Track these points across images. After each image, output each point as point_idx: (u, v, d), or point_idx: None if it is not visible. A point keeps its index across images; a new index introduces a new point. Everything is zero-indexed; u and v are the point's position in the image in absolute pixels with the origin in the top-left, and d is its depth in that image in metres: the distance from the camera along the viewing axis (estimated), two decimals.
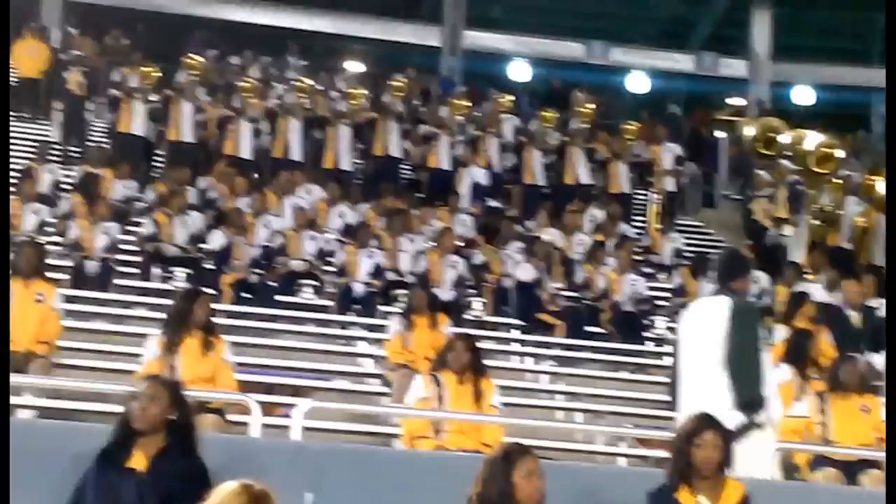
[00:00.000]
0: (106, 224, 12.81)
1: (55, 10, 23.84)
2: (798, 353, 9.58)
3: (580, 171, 17.45)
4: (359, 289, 12.84)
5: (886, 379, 8.33)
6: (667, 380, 11.76)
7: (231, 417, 8.29)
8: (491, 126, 17.63)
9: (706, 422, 5.79)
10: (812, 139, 16.31)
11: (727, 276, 6.99)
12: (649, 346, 13.21)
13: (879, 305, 12.56)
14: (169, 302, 9.43)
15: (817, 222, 16.15)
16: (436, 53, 26.11)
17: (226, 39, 23.47)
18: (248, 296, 12.59)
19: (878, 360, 10.86)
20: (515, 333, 13.06)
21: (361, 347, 12.03)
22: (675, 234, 16.53)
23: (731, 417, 6.43)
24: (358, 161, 17.41)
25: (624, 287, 13.57)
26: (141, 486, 5.40)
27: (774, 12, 26.75)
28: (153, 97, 16.58)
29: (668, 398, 10.87)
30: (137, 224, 13.88)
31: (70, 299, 10.99)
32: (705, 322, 6.79)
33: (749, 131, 17.87)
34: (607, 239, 15.26)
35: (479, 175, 16.94)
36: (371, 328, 12.28)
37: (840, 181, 16.62)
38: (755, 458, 6.61)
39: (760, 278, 14.00)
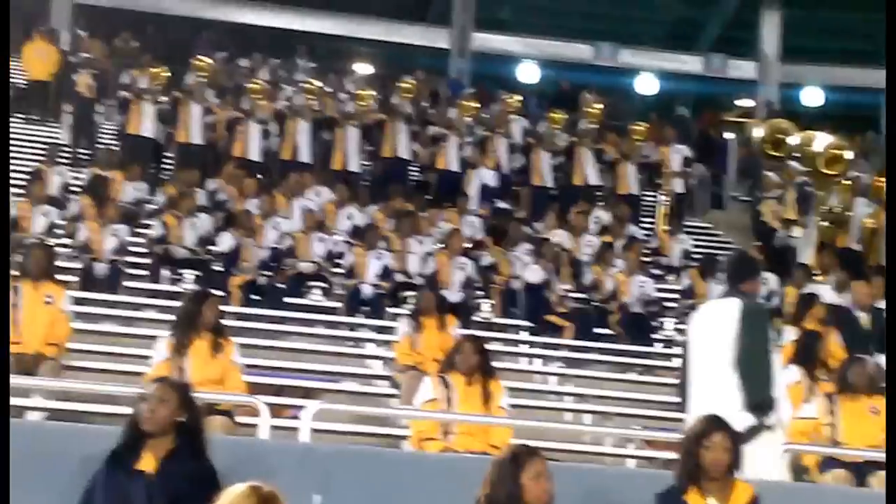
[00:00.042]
0: (115, 226, 12.82)
1: (65, 12, 23.89)
2: (807, 355, 9.57)
3: (589, 173, 17.44)
4: (367, 290, 12.85)
5: (887, 379, 8.31)
6: (676, 381, 11.81)
7: (240, 419, 8.30)
8: (499, 127, 17.63)
9: (715, 423, 5.78)
10: (821, 140, 16.29)
11: (737, 278, 6.99)
12: (658, 348, 13.22)
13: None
14: (178, 304, 9.44)
15: (826, 224, 16.13)
16: (444, 55, 26.12)
17: (235, 41, 23.52)
18: (257, 297, 12.60)
19: None
20: (524, 335, 13.05)
21: (370, 349, 12.04)
22: (684, 235, 16.51)
23: (741, 419, 6.43)
24: (366, 163, 17.42)
25: (632, 289, 13.57)
26: (150, 488, 5.41)
27: (783, 13, 26.72)
28: (162, 98, 16.59)
29: (676, 400, 10.91)
30: (146, 226, 13.90)
31: (79, 301, 11.01)
32: (715, 324, 6.79)
33: (758, 133, 17.86)
34: (616, 240, 15.26)
35: (487, 176, 16.94)
36: (379, 330, 12.29)
37: (849, 182, 16.59)
38: (764, 460, 6.60)
39: (769, 280, 13.98)
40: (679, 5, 28.66)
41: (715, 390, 6.62)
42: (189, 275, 12.57)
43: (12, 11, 22.97)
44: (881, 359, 10.93)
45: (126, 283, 12.64)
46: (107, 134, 18.15)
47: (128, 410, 5.67)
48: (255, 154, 16.51)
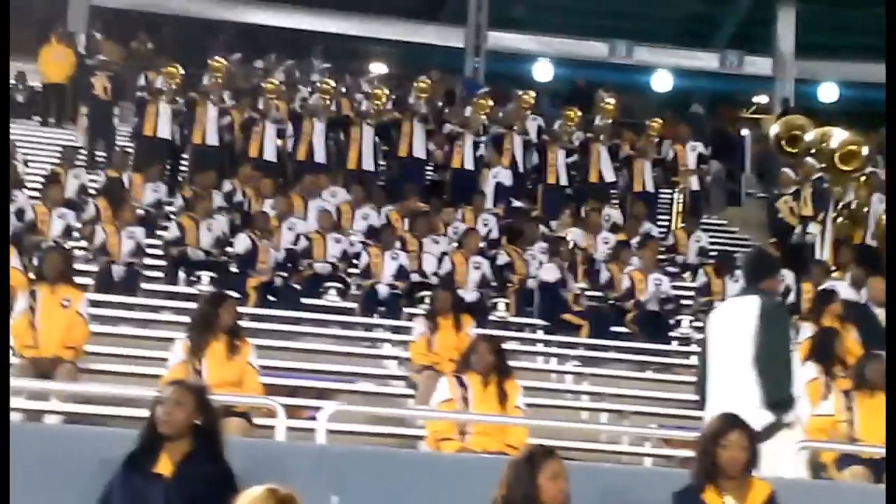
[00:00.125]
0: (132, 228, 12.85)
1: (81, 15, 23.95)
2: (824, 352, 9.54)
3: (604, 170, 17.41)
4: (383, 291, 12.86)
5: (887, 379, 8.28)
6: (693, 379, 11.80)
7: (256, 421, 8.31)
8: (514, 124, 17.61)
9: (732, 422, 5.78)
10: (837, 136, 16.24)
11: (756, 275, 6.97)
12: (674, 346, 13.19)
13: None
14: (194, 306, 9.46)
15: (842, 220, 16.08)
16: (459, 54, 26.10)
17: (250, 43, 23.56)
18: (273, 299, 12.62)
19: None
20: (540, 334, 13.05)
21: (386, 349, 12.05)
22: (700, 232, 16.47)
23: (760, 417, 6.42)
24: (382, 163, 17.41)
25: (648, 286, 13.54)
26: (167, 491, 5.42)
27: (799, 9, 26.63)
28: (178, 99, 16.62)
29: (694, 397, 10.90)
30: (163, 228, 13.93)
31: (96, 304, 11.04)
32: (734, 321, 6.77)
33: (774, 129, 17.80)
34: (631, 238, 15.24)
35: (502, 175, 16.93)
36: (395, 330, 12.31)
37: (865, 178, 16.54)
38: (782, 458, 6.59)
39: (786, 276, 13.93)
40: (694, 2, 28.61)
41: (734, 388, 6.61)
42: (205, 276, 12.59)
43: (29, 15, 23.16)
44: None
45: (143, 286, 12.66)
46: (123, 136, 18.20)
47: (145, 413, 5.68)
48: (270, 154, 16.54)
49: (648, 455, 9.79)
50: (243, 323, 9.31)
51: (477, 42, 26.12)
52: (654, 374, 12.43)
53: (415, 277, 13.17)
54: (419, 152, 17.24)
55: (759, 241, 17.89)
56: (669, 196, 18.06)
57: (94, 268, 12.49)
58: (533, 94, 18.97)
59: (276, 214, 13.91)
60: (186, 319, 9.31)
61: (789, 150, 16.87)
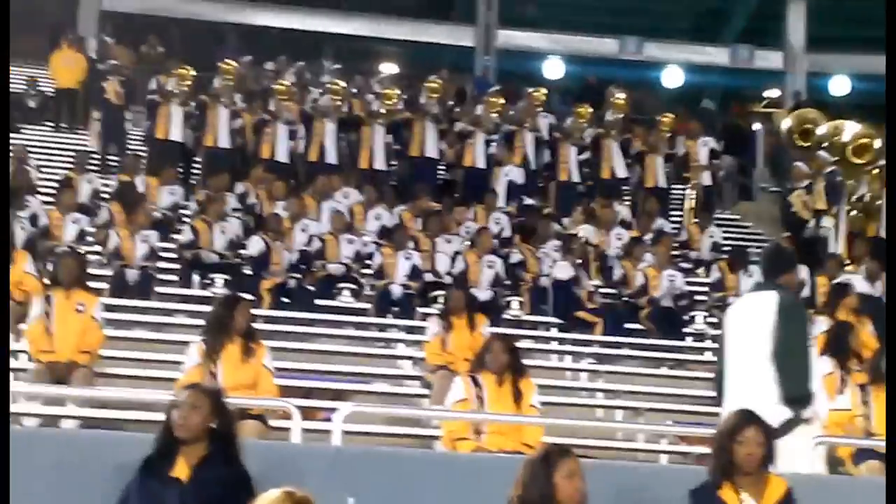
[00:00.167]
0: (145, 232, 12.88)
1: (92, 20, 24.02)
2: (839, 346, 9.52)
3: (616, 166, 17.40)
4: (397, 291, 12.87)
5: (887, 379, 8.25)
6: (707, 375, 11.79)
7: (272, 423, 8.32)
8: (526, 122, 17.60)
9: (748, 418, 5.77)
10: (849, 129, 16.20)
11: (774, 270, 6.95)
12: (689, 342, 13.17)
13: None
14: (209, 309, 9.48)
15: (856, 213, 16.04)
16: (470, 53, 26.11)
17: (260, 45, 23.58)
18: (287, 300, 12.64)
19: None
20: (554, 332, 13.04)
21: (400, 350, 12.05)
22: (713, 227, 16.44)
23: (778, 413, 6.40)
24: (394, 163, 17.41)
25: (662, 283, 13.51)
26: (184, 494, 5.43)
27: (809, 2, 26.57)
28: (190, 102, 16.66)
29: (709, 393, 10.88)
30: (178, 231, 13.95)
31: (111, 308, 11.07)
32: (752, 317, 6.75)
33: (786, 123, 17.76)
34: (644, 234, 15.22)
35: (514, 173, 16.93)
36: (409, 330, 12.31)
37: (878, 171, 16.48)
38: (800, 453, 6.57)
39: (800, 270, 13.91)
40: None
41: (752, 384, 6.58)
42: (219, 279, 12.60)
43: (40, 21, 23.20)
44: None
45: (157, 289, 12.68)
46: (135, 140, 18.24)
47: (161, 417, 5.69)
48: (282, 156, 16.57)
49: (664, 452, 9.78)
50: (257, 325, 9.32)
51: (487, 40, 26.12)
52: (669, 370, 12.41)
53: (428, 277, 13.17)
54: (431, 152, 17.25)
55: (772, 235, 17.87)
56: (682, 192, 18.04)
57: (108, 272, 12.51)
58: (544, 91, 18.95)
59: (288, 216, 13.93)
60: (201, 322, 9.32)
61: (802, 143, 16.83)
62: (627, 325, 13.16)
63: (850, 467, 8.14)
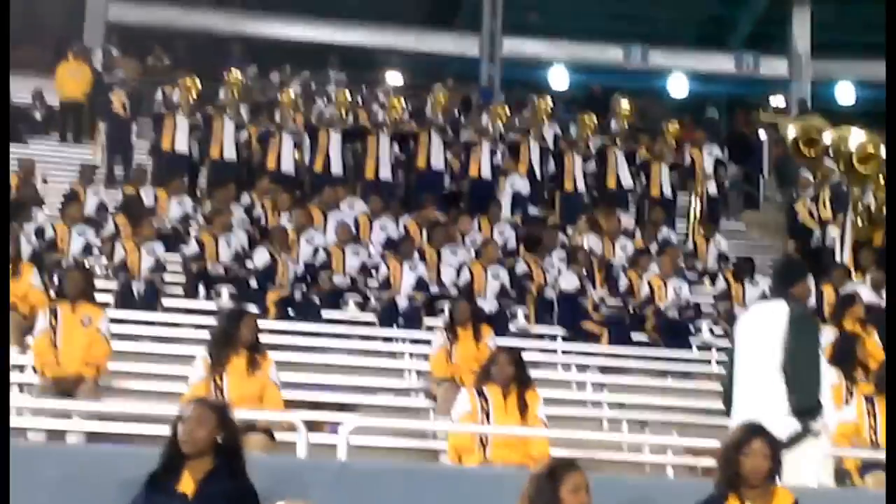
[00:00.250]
0: (151, 244, 12.89)
1: (97, 31, 24.08)
2: (845, 356, 9.51)
3: (621, 175, 17.39)
4: (402, 302, 12.86)
5: (887, 378, 8.24)
6: (713, 386, 11.76)
7: (278, 436, 8.33)
8: (531, 131, 17.60)
9: (754, 431, 5.77)
10: (855, 137, 16.18)
11: (785, 281, 6.94)
12: (695, 353, 13.14)
13: None
14: (215, 321, 9.48)
15: (862, 222, 16.02)
16: (474, 62, 26.14)
17: (265, 55, 23.61)
18: (293, 312, 12.64)
19: None
20: (559, 343, 13.02)
21: (406, 362, 12.04)
22: (719, 237, 16.42)
23: (787, 424, 6.40)
24: (399, 174, 17.38)
25: (668, 293, 13.50)
26: None
27: (814, 9, 26.58)
28: (195, 113, 16.68)
29: (715, 405, 10.85)
30: (183, 243, 13.93)
31: (117, 321, 11.07)
32: (763, 327, 6.75)
33: (791, 132, 17.74)
34: (649, 244, 15.21)
35: (519, 184, 16.93)
36: (415, 342, 12.29)
37: (884, 179, 16.46)
38: (808, 466, 6.56)
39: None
40: (709, 4, 28.57)
41: (761, 395, 6.58)
42: (225, 291, 12.60)
43: (46, 32, 23.22)
44: None
45: (163, 302, 12.68)
46: (141, 152, 18.26)
47: (168, 430, 5.70)
48: (287, 167, 16.59)
49: (670, 464, 9.75)
50: (263, 337, 9.32)
51: (492, 49, 26.15)
52: (675, 381, 12.37)
53: (434, 288, 13.16)
54: (437, 164, 17.25)
55: (778, 244, 17.85)
56: (687, 201, 18.03)
57: (114, 285, 12.51)
58: (550, 101, 18.95)
59: (294, 227, 13.94)
60: (207, 335, 9.33)
61: (807, 152, 16.81)
62: (633, 336, 13.13)
63: (856, 479, 8.12)
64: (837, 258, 15.25)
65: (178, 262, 13.49)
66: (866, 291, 12.99)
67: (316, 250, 13.60)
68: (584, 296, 13.28)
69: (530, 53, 26.61)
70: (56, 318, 9.44)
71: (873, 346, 10.61)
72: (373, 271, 13.56)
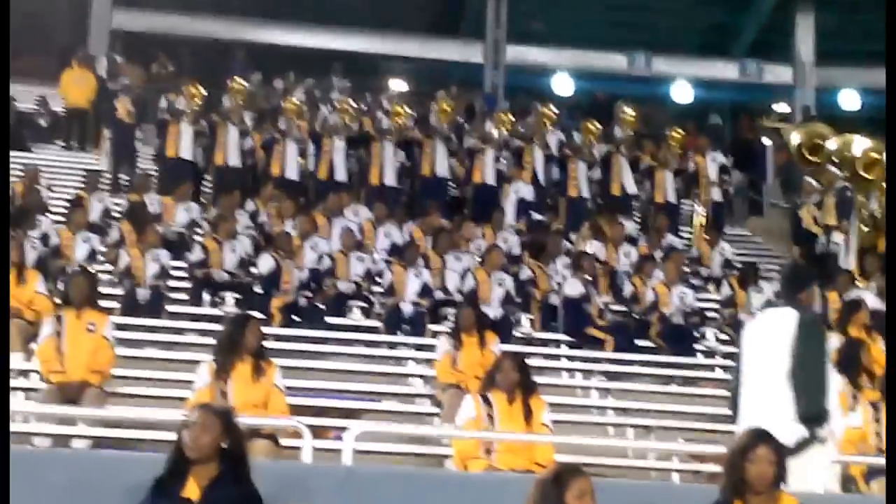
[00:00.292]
0: (156, 251, 12.90)
1: (102, 39, 24.13)
2: (851, 363, 9.50)
3: (626, 182, 17.40)
4: (407, 309, 12.87)
5: (887, 379, 8.24)
6: (718, 392, 11.77)
7: (283, 442, 8.33)
8: (535, 138, 17.62)
9: (760, 436, 5.75)
10: (859, 144, 16.19)
11: (793, 288, 6.94)
12: (700, 359, 13.13)
13: None
14: (219, 327, 9.49)
15: (867, 228, 16.01)
16: (478, 69, 26.17)
17: (269, 62, 23.65)
18: (298, 319, 12.64)
19: None
20: (564, 349, 13.02)
21: (411, 368, 12.04)
22: (723, 244, 16.42)
23: (794, 431, 6.39)
24: (404, 181, 17.38)
25: (672, 299, 13.49)
26: None
27: (818, 17, 26.58)
28: (200, 120, 16.70)
29: (720, 411, 10.84)
30: (188, 250, 13.95)
31: (122, 327, 11.09)
32: (771, 334, 6.74)
33: (795, 138, 17.75)
34: (653, 250, 15.21)
35: (523, 190, 16.94)
36: (420, 348, 12.29)
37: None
38: (814, 472, 6.55)
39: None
40: (713, 12, 28.58)
41: (768, 401, 6.57)
42: (230, 298, 12.61)
43: (50, 40, 23.25)
44: None
45: (168, 308, 12.70)
46: (145, 159, 18.29)
47: (173, 436, 5.70)
48: (292, 174, 16.61)
49: (675, 470, 9.75)
50: (268, 343, 9.32)
51: (496, 56, 26.19)
52: (680, 387, 12.37)
53: (438, 295, 13.16)
54: (442, 171, 17.27)
55: (782, 251, 17.85)
56: (691, 207, 18.04)
57: (119, 291, 12.53)
58: (555, 109, 18.96)
59: (298, 234, 13.95)
60: (212, 341, 9.33)
61: (811, 158, 16.82)
62: (638, 342, 13.13)
63: (861, 485, 8.11)
64: (842, 264, 15.25)
65: (182, 268, 13.50)
66: (871, 298, 12.97)
67: (320, 257, 13.62)
68: (589, 302, 13.27)
69: (534, 60, 26.64)
70: (61, 324, 9.44)
71: (878, 353, 10.59)
72: (377, 278, 13.56)
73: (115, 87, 19.33)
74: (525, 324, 13.21)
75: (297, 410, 8.84)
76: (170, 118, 16.71)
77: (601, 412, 11.54)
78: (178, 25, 25.13)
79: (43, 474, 5.87)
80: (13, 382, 9.91)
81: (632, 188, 17.45)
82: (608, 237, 15.36)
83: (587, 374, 12.40)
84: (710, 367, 12.93)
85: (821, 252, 16.15)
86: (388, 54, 26.60)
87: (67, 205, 14.66)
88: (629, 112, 19.04)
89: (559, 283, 13.56)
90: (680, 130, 18.71)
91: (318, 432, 8.30)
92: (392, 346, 12.60)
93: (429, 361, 11.49)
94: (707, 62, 27.14)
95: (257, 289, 12.96)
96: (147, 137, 18.84)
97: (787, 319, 6.67)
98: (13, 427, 8.98)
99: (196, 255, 13.24)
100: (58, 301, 10.28)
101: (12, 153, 17.79)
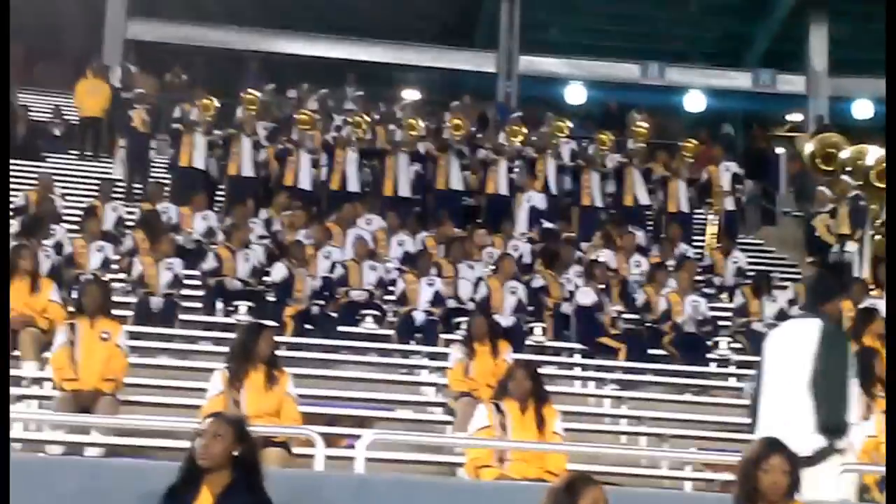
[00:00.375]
0: (169, 260, 12.93)
1: (116, 48, 24.23)
2: (865, 372, 9.44)
3: (639, 193, 17.39)
4: (420, 317, 12.87)
5: (887, 378, 8.20)
6: (731, 401, 11.74)
7: (295, 450, 8.34)
8: (548, 148, 17.62)
9: (773, 446, 5.72)
10: (873, 153, 16.15)
11: (818, 298, 6.91)
12: (712, 368, 13.10)
13: None
14: (233, 336, 9.50)
15: (880, 237, 15.97)
16: (492, 79, 26.21)
17: (283, 72, 23.71)
18: (310, 327, 12.65)
19: None
20: (577, 358, 13.00)
21: (423, 376, 12.03)
22: (737, 252, 16.39)
23: (812, 441, 6.36)
24: (418, 196, 17.37)
25: (685, 308, 13.47)
26: None
27: (831, 26, 26.55)
28: (213, 131, 16.75)
29: (734, 420, 10.82)
30: (201, 258, 13.97)
31: (135, 336, 11.11)
32: (794, 344, 6.71)
33: (808, 147, 17.73)
34: (665, 259, 15.20)
35: (536, 199, 16.95)
36: (433, 356, 12.29)
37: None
38: (824, 482, 6.52)
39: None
40: (726, 22, 28.58)
41: (788, 410, 6.54)
42: (243, 306, 12.63)
43: (65, 50, 23.37)
44: None
45: (181, 317, 12.72)
46: (159, 168, 18.34)
47: (186, 444, 5.71)
48: (305, 184, 16.65)
49: (689, 479, 9.72)
50: (281, 352, 9.34)
51: (509, 66, 26.22)
52: (693, 396, 12.35)
53: (451, 303, 13.17)
54: (456, 184, 17.29)
55: (796, 260, 17.82)
56: (704, 217, 18.02)
57: (132, 300, 12.56)
58: (568, 122, 18.96)
59: (311, 243, 13.97)
60: (225, 350, 9.35)
61: (825, 168, 16.80)
62: (651, 351, 13.10)
63: (875, 494, 8.07)
64: (856, 273, 15.21)
65: (196, 277, 13.53)
66: (885, 307, 12.92)
67: (333, 265, 13.63)
68: (602, 311, 13.25)
69: (547, 70, 26.66)
70: (75, 332, 9.45)
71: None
72: (390, 286, 13.57)
73: (129, 97, 19.40)
74: (538, 332, 13.19)
75: (309, 419, 8.86)
76: (183, 128, 16.76)
77: (614, 421, 11.52)
78: (192, 36, 25.23)
79: (56, 482, 5.88)
80: (27, 391, 9.95)
81: (644, 199, 17.45)
82: (619, 246, 15.36)
83: (600, 382, 12.37)
84: (724, 376, 12.90)
85: (834, 261, 16.11)
86: (402, 64, 26.65)
87: (81, 214, 14.69)
88: (642, 124, 19.04)
89: (571, 292, 13.56)
90: (693, 140, 18.70)
91: (330, 440, 8.31)
92: (404, 354, 12.61)
93: (441, 370, 11.48)
94: (720, 72, 27.14)
95: (270, 297, 12.98)
96: (160, 147, 18.90)
97: (810, 330, 6.65)
98: (26, 435, 9.05)
99: (209, 263, 13.27)
100: (71, 309, 10.31)
101: (26, 163, 17.92)
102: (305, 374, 10.75)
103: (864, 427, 8.45)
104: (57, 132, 20.68)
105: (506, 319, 12.75)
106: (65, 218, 14.75)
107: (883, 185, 15.81)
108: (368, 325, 13.02)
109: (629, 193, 17.35)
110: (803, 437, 6.22)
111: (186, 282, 13.32)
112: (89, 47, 23.78)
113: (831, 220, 16.82)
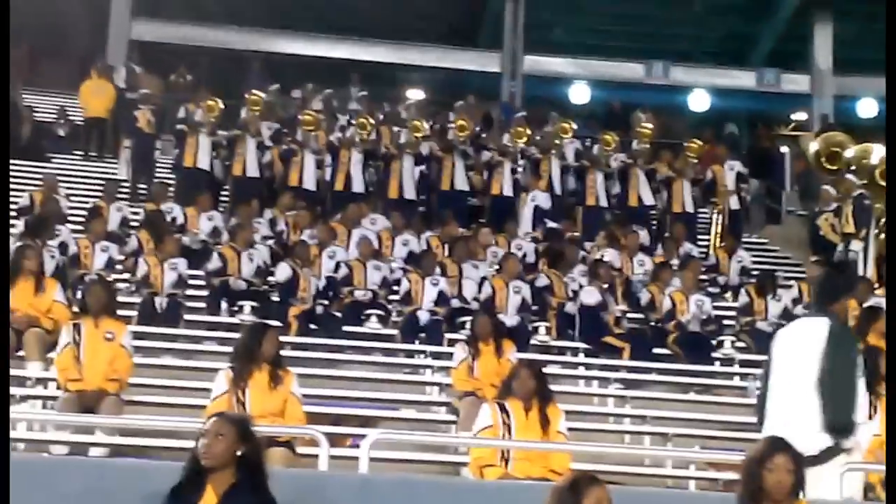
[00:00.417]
0: (174, 260, 12.94)
1: (121, 49, 24.25)
2: (869, 371, 9.43)
3: (643, 193, 17.39)
4: (424, 317, 12.88)
5: (887, 378, 8.18)
6: (735, 401, 11.73)
7: (299, 450, 8.34)
8: (552, 148, 17.62)
9: (777, 445, 5.72)
10: (878, 152, 16.11)
11: (827, 297, 6.90)
12: (717, 367, 13.10)
13: None
14: (237, 336, 9.51)
15: (885, 236, 15.94)
16: (496, 78, 26.21)
17: (287, 73, 23.72)
18: (315, 327, 12.66)
19: None
20: (581, 357, 13.01)
21: (427, 376, 12.04)
22: (742, 252, 16.39)
23: (818, 440, 6.36)
24: (423, 197, 17.38)
25: (690, 307, 13.47)
26: None
27: (835, 26, 26.53)
28: (218, 131, 16.77)
29: (738, 419, 10.81)
30: (206, 258, 13.98)
31: (139, 336, 11.12)
32: (801, 343, 6.71)
33: (813, 146, 17.69)
34: (670, 259, 15.19)
35: (540, 199, 16.95)
36: (437, 356, 12.29)
37: None
38: (828, 480, 6.52)
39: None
40: (731, 21, 28.56)
41: (795, 409, 6.54)
42: (247, 306, 12.64)
43: (69, 50, 23.39)
44: None
45: (185, 317, 12.73)
46: (163, 168, 18.35)
47: (190, 444, 5.72)
48: (309, 184, 16.66)
49: (692, 478, 9.72)
50: (285, 352, 9.34)
51: (513, 66, 26.22)
52: (697, 395, 12.34)
53: (455, 303, 13.18)
54: (461, 185, 17.29)
55: (800, 259, 17.80)
56: (709, 216, 18.01)
57: (136, 300, 12.58)
58: (572, 122, 18.95)
59: (316, 243, 13.98)
60: (229, 350, 9.36)
61: (829, 167, 16.75)
62: (655, 350, 13.09)
63: (880, 492, 8.07)
64: (861, 272, 15.19)
65: (200, 277, 13.54)
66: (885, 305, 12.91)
67: (338, 265, 13.64)
68: (606, 310, 13.25)
69: (552, 70, 26.66)
70: (79, 333, 9.47)
71: None
72: (394, 286, 13.58)
73: (134, 97, 19.42)
74: (542, 332, 13.20)
75: (313, 418, 8.87)
76: (187, 129, 16.78)
77: (618, 420, 11.52)
78: (196, 36, 25.26)
79: (60, 482, 5.89)
80: (31, 391, 9.97)
81: (649, 199, 17.44)
82: (623, 246, 15.36)
83: (604, 382, 12.37)
84: (728, 376, 12.90)
85: (839, 260, 16.09)
86: (406, 64, 26.65)
87: (86, 214, 14.71)
88: (646, 124, 19.03)
89: (576, 292, 13.56)
90: (697, 140, 18.69)
91: (334, 440, 8.32)
92: (409, 354, 12.62)
93: (445, 369, 11.48)
94: (724, 71, 27.13)
95: (275, 297, 12.99)
96: (165, 147, 18.92)
97: (818, 329, 6.65)
98: (31, 435, 9.06)
99: (214, 263, 13.28)
100: (76, 310, 10.32)
101: (31, 163, 17.94)
102: (310, 374, 10.75)
103: (870, 426, 8.46)
104: (61, 133, 20.70)
105: (510, 319, 12.76)
106: (69, 218, 14.77)
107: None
108: (373, 325, 13.03)
109: (633, 193, 17.33)
110: (810, 436, 6.21)
111: (191, 282, 13.33)
112: (93, 48, 23.82)
113: (836, 219, 16.81)
